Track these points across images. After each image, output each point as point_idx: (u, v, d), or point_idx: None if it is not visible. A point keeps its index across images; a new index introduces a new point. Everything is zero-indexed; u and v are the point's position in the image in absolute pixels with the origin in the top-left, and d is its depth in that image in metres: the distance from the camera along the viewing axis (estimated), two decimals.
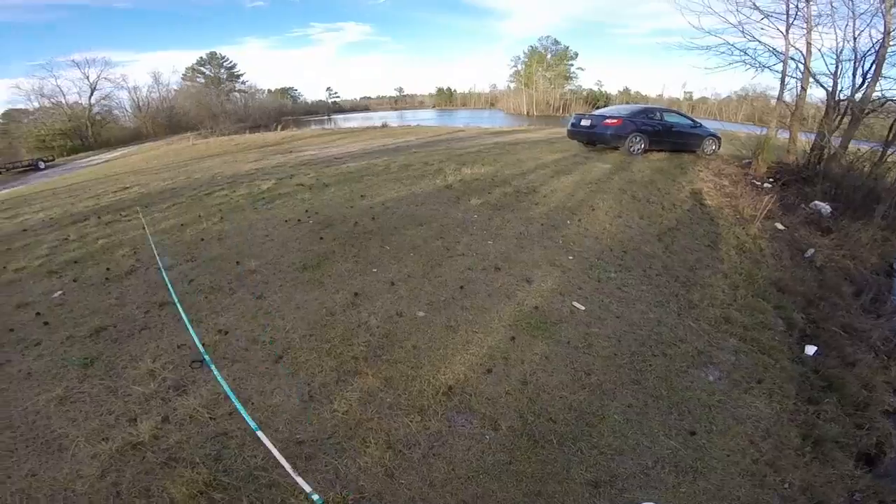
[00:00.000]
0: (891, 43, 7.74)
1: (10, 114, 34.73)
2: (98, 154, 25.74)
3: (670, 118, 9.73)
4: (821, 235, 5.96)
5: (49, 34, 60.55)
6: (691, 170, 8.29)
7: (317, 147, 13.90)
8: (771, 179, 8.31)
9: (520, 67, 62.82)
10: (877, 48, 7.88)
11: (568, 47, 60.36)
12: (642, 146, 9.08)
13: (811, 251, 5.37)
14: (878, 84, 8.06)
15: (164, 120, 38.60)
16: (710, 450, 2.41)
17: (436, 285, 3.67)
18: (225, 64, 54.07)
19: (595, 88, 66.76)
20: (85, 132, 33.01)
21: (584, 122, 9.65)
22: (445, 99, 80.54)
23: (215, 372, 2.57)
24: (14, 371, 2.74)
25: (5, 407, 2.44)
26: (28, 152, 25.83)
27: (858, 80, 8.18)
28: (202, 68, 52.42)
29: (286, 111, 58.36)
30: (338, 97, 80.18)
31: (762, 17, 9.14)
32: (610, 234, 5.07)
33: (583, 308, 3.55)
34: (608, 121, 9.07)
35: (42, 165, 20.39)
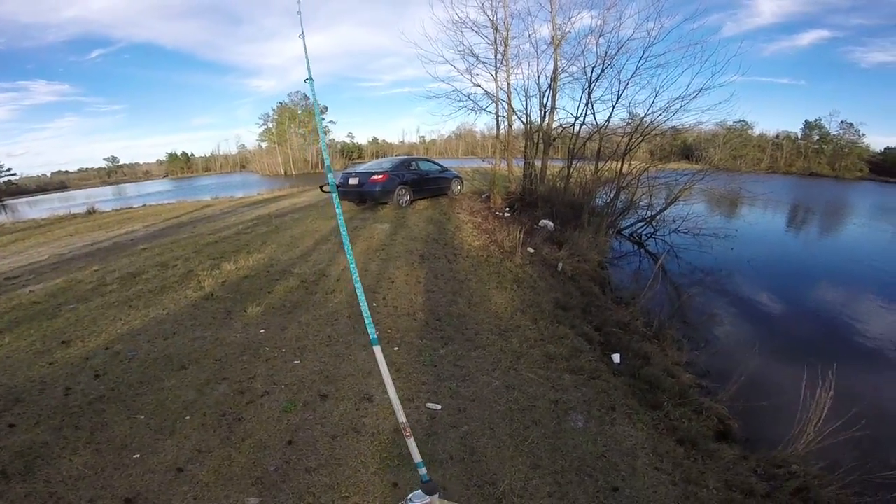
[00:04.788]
0: (560, 77, 10.79)
1: None
2: None
3: (424, 166, 10.79)
4: (558, 249, 7.54)
5: None
6: (452, 214, 9.27)
7: None
8: (507, 209, 10.24)
9: (270, 125, 60.63)
10: (550, 83, 10.91)
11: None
12: (408, 198, 9.67)
13: (560, 265, 6.68)
14: (555, 114, 11.13)
15: None
16: (639, 494, 2.43)
17: (248, 452, 2.52)
18: None
19: (348, 140, 71.01)
20: None
21: (353, 181, 9.56)
22: (181, 166, 68.87)
23: None
24: None
25: None
26: None
27: (542, 112, 11.12)
28: None
29: None
30: (13, 174, 56.68)
31: (478, 63, 11.35)
32: (418, 305, 4.81)
33: (439, 407, 3.08)
34: (375, 177, 9.26)
35: None
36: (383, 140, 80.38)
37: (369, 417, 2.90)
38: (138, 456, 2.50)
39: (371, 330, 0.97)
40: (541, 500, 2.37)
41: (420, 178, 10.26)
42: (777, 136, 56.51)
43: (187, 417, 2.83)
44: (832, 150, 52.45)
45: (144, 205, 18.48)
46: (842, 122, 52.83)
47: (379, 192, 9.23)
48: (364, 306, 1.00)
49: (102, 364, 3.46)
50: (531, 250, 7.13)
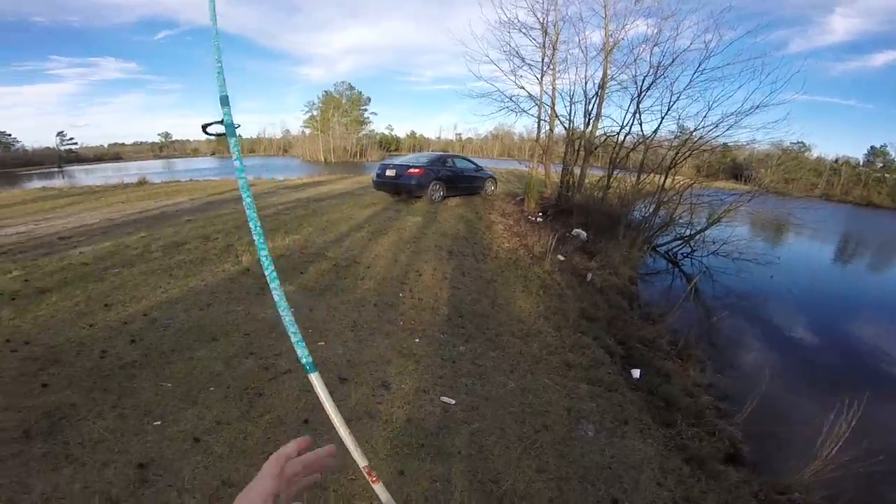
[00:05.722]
0: (609, 85, 10.62)
1: None
2: None
3: (459, 163, 10.87)
4: (589, 259, 7.44)
5: None
6: (484, 214, 9.29)
7: (29, 220, 8.63)
8: (540, 214, 10.15)
9: (315, 112, 62.33)
10: (597, 90, 10.74)
11: (361, 92, 63.40)
12: (441, 193, 9.78)
13: (590, 275, 6.59)
14: (600, 121, 10.95)
15: None
16: None
17: (265, 427, 2.59)
18: None
19: (386, 132, 72.09)
20: None
21: (389, 173, 9.76)
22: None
23: None
24: None
25: None
26: None
27: (587, 119, 10.95)
28: None
29: None
30: (74, 143, 60.78)
31: (524, 64, 11.33)
32: (443, 300, 4.89)
33: (453, 401, 3.11)
34: (411, 170, 9.43)
35: None
36: (420, 135, 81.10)
37: (384, 405, 2.95)
38: (159, 423, 2.55)
39: (303, 353, 0.71)
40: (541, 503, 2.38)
41: (455, 175, 10.34)
42: (836, 161, 52.91)
43: (211, 388, 2.88)
44: (895, 181, 48.57)
45: (191, 179, 19.22)
46: None
47: (414, 186, 9.39)
48: (289, 319, 0.72)
49: (139, 330, 3.57)
50: (561, 258, 7.07)
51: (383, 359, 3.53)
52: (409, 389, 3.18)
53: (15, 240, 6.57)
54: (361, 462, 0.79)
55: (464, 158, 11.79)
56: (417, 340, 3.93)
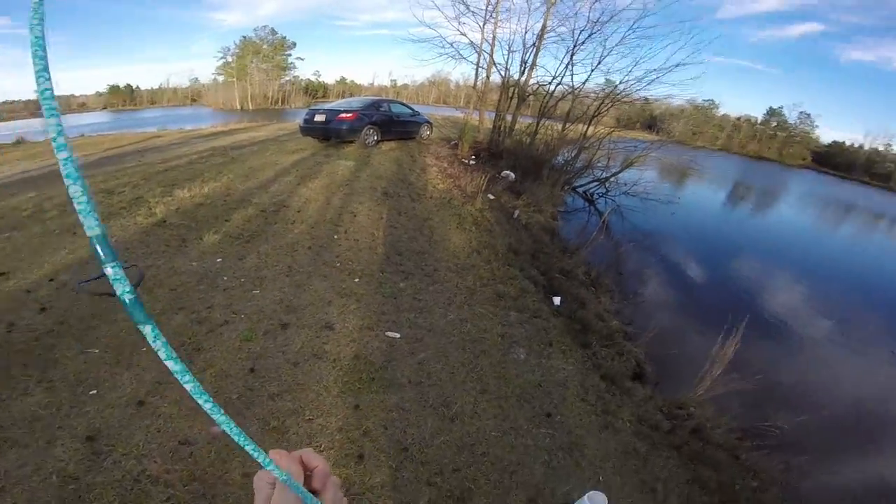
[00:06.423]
0: (546, 36, 10.75)
1: None
2: None
3: (395, 108, 10.59)
4: (516, 198, 7.88)
5: None
6: (419, 157, 9.28)
7: None
8: (473, 157, 10.37)
9: (230, 58, 55.12)
10: (535, 41, 10.84)
11: (285, 37, 56.98)
12: (376, 137, 9.54)
13: (517, 213, 7.04)
14: (534, 71, 11.15)
15: None
16: (568, 421, 2.83)
17: (211, 381, 2.56)
18: None
19: (313, 79, 66.33)
20: None
21: (319, 118, 9.24)
22: (123, 98, 61.81)
23: None
24: None
25: None
26: None
27: (522, 68, 11.11)
28: None
29: None
30: None
31: (468, 11, 10.99)
32: (380, 240, 4.99)
33: (398, 335, 3.30)
34: (343, 115, 9.02)
35: None
36: (352, 81, 75.83)
37: (330, 344, 3.01)
38: (95, 392, 2.38)
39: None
40: (487, 421, 2.69)
41: (390, 120, 10.09)
42: (738, 119, 58.98)
43: (144, 349, 2.68)
44: (784, 138, 55.70)
45: (82, 135, 16.69)
46: (801, 112, 56.05)
47: (346, 130, 9.03)
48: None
49: (48, 296, 3.22)
50: (491, 197, 7.42)
51: (324, 300, 3.55)
52: (354, 327, 3.28)
53: None
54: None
55: (400, 103, 11.50)
56: (357, 280, 4.00)
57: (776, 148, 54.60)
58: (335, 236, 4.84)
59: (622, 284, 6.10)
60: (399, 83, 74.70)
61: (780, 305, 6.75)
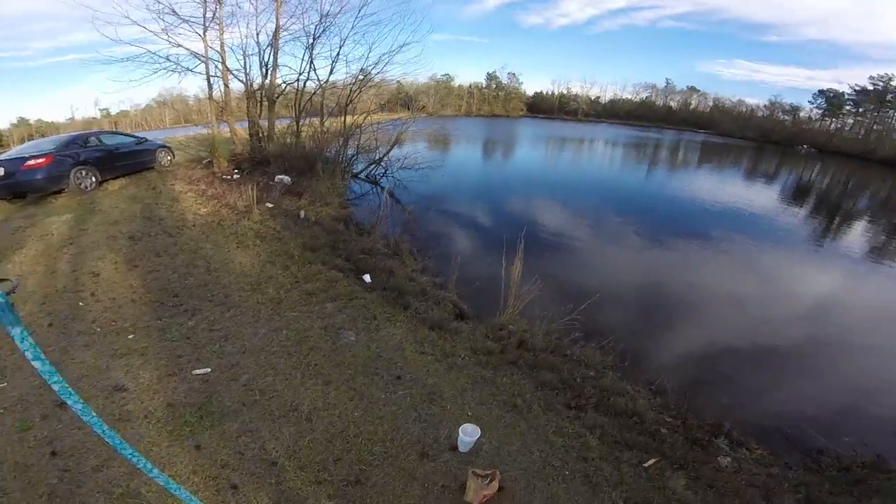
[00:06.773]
0: (281, 35, 10.18)
1: None
2: None
3: (110, 140, 8.60)
4: (298, 199, 7.69)
5: None
6: (164, 187, 7.92)
7: None
8: (236, 171, 9.48)
9: None
10: (271, 42, 10.17)
11: None
12: (94, 179, 7.61)
13: (303, 213, 6.91)
14: (279, 71, 10.62)
15: None
16: (418, 376, 3.16)
17: (12, 479, 2.11)
18: None
19: None
20: None
21: None
22: None
23: None
24: None
25: None
26: None
27: (264, 71, 10.45)
28: None
29: None
30: None
31: (181, 21, 9.26)
32: (143, 289, 4.17)
33: (209, 370, 3.03)
34: (32, 162, 6.77)
35: None
36: (39, 120, 56.51)
37: (132, 404, 2.66)
38: None
39: None
40: (344, 406, 2.76)
41: (108, 155, 8.14)
42: (470, 87, 70.39)
43: None
44: (504, 96, 69.62)
45: None
46: (509, 73, 70.21)
47: (42, 180, 6.86)
48: None
49: None
50: (270, 205, 7.04)
51: (98, 368, 3.02)
52: (151, 380, 2.90)
53: None
54: None
55: (116, 133, 9.63)
56: (132, 336, 3.42)
57: (501, 105, 68.10)
58: (80, 303, 3.84)
59: (420, 245, 6.73)
60: (114, 111, 59.79)
61: (546, 222, 8.79)
